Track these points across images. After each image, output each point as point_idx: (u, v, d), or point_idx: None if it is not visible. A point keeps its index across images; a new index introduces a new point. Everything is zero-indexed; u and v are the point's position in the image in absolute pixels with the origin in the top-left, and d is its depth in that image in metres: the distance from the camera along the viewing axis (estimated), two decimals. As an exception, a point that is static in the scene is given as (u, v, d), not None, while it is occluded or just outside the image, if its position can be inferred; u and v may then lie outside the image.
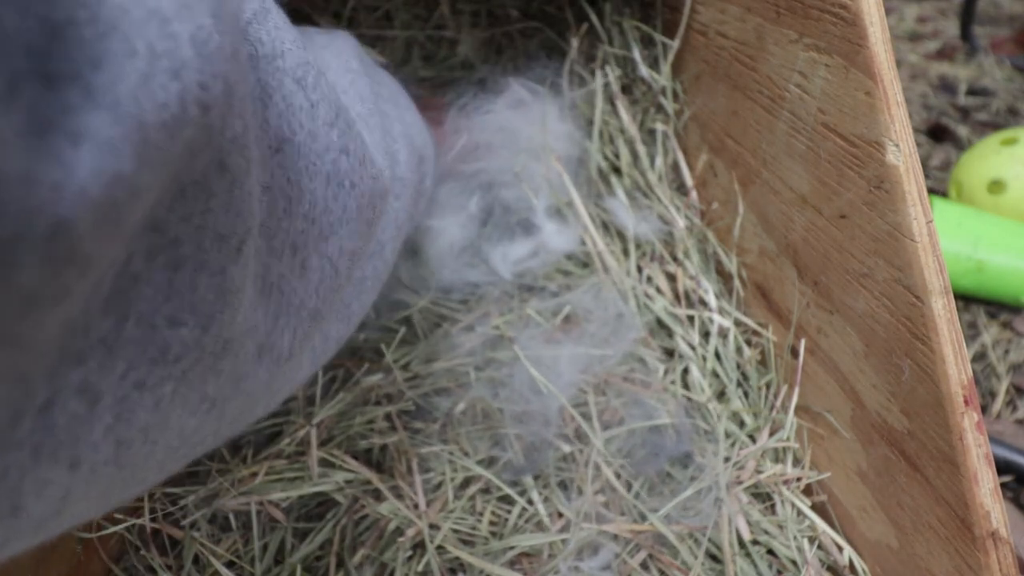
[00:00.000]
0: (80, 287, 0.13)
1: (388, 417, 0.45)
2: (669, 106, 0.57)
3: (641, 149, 0.57)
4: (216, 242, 0.17)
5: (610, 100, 0.58)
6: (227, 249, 0.18)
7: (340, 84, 0.30)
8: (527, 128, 0.54)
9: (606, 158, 0.58)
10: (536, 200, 0.54)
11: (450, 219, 0.53)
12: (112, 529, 0.38)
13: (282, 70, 0.22)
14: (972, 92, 1.09)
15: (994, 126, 0.99)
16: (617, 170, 0.58)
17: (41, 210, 0.11)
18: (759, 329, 0.48)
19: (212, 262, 0.17)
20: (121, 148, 0.13)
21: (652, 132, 0.58)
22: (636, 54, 0.57)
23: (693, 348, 0.49)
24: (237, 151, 0.17)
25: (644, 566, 0.39)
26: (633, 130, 0.57)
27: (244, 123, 0.18)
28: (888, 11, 1.21)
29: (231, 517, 0.41)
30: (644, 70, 0.57)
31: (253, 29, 0.21)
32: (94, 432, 0.15)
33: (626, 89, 0.60)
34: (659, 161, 0.57)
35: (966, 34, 1.22)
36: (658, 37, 0.56)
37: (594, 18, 0.58)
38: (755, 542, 0.40)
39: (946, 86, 1.11)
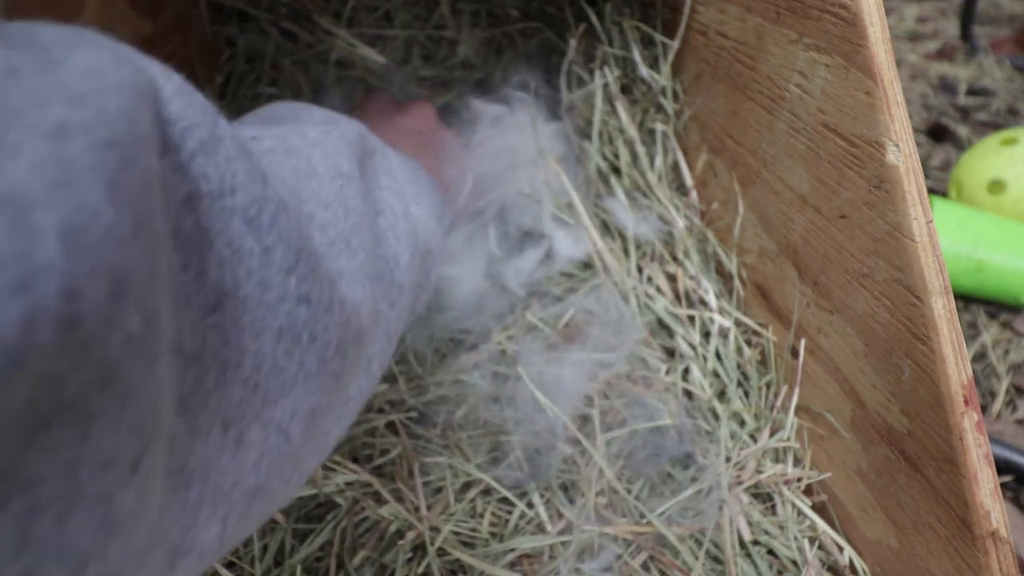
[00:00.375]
0: None
1: (391, 424, 0.45)
2: (669, 106, 0.57)
3: (641, 149, 0.57)
4: (98, 470, 0.14)
5: (609, 100, 0.58)
6: (115, 474, 0.14)
7: (322, 196, 0.26)
8: (518, 139, 0.54)
9: (605, 158, 0.58)
10: (541, 207, 0.53)
11: (468, 264, 0.51)
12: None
13: (230, 209, 0.19)
14: (972, 92, 1.09)
15: (994, 126, 0.99)
16: (617, 170, 0.58)
17: None
18: (759, 329, 0.48)
19: (91, 494, 0.14)
20: None
21: (652, 132, 0.58)
22: (636, 54, 0.57)
23: (694, 348, 0.49)
24: (133, 353, 0.14)
25: (645, 567, 0.39)
26: (632, 130, 0.57)
27: (148, 311, 0.14)
28: (888, 11, 1.21)
29: (231, 518, 0.41)
30: (644, 70, 0.57)
31: (198, 163, 0.18)
32: None
33: (625, 89, 0.59)
34: (659, 161, 0.57)
35: (966, 34, 1.22)
36: (658, 37, 0.56)
37: (594, 18, 0.58)
38: (756, 542, 0.40)
39: (946, 86, 1.11)
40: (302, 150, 0.27)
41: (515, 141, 0.54)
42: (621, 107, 0.57)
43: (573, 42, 0.58)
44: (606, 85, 0.57)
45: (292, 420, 0.21)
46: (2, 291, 0.10)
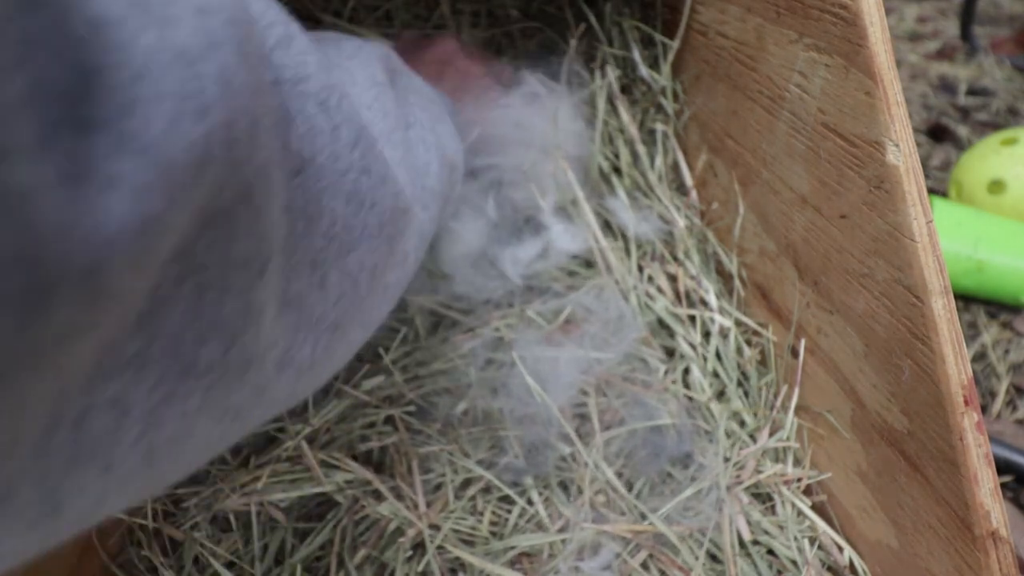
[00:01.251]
0: (112, 317, 0.14)
1: (389, 419, 0.45)
2: (669, 106, 0.57)
3: (641, 149, 0.57)
4: (241, 267, 0.18)
5: (610, 100, 0.58)
6: (251, 272, 0.19)
7: (364, 99, 0.30)
8: (540, 124, 0.54)
9: (606, 158, 0.58)
10: (543, 200, 0.53)
11: (468, 224, 0.52)
12: (113, 521, 0.38)
13: (305, 94, 0.22)
14: (972, 92, 1.09)
15: (994, 126, 0.99)
16: (617, 170, 0.58)
17: (77, 256, 0.12)
18: (759, 329, 0.48)
19: (236, 285, 0.18)
20: (152, 192, 0.13)
21: (652, 132, 0.58)
22: (636, 54, 0.57)
23: (694, 348, 0.49)
24: (262, 180, 0.18)
25: (644, 566, 0.39)
26: (633, 130, 0.57)
27: (268, 152, 0.18)
28: (888, 11, 1.21)
29: (231, 518, 0.41)
30: (644, 70, 0.57)
31: (277, 56, 0.21)
32: (125, 440, 0.17)
33: (625, 89, 0.60)
34: (659, 161, 0.57)
35: (966, 34, 1.22)
36: (658, 37, 0.56)
37: (592, 19, 0.58)
38: (755, 542, 0.40)
39: (946, 86, 1.11)
40: (341, 62, 0.31)
41: (536, 122, 0.54)
42: (621, 107, 0.57)
43: (573, 42, 0.58)
44: (609, 84, 0.57)
45: (360, 272, 0.26)
46: (191, 114, 0.14)
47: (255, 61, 0.17)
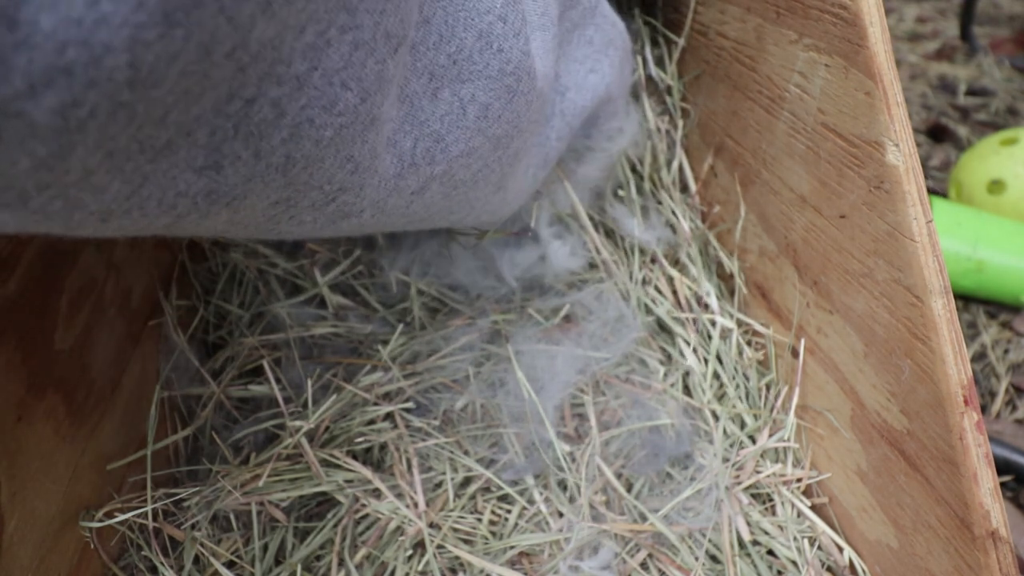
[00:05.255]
0: (289, 29, 0.19)
1: (388, 416, 0.45)
2: (676, 106, 0.57)
3: (660, 148, 0.57)
4: (384, 38, 0.23)
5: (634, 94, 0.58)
6: (389, 46, 0.23)
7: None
8: None
9: (627, 159, 0.58)
10: (539, 215, 0.53)
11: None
12: (113, 522, 0.38)
13: None
14: (972, 92, 1.09)
15: (994, 126, 0.99)
16: (635, 170, 0.58)
17: None
18: (760, 329, 0.48)
19: (378, 52, 0.23)
20: None
21: (658, 132, 0.58)
22: (648, 52, 0.57)
23: (694, 349, 0.49)
24: None
25: (644, 566, 0.39)
26: (659, 127, 0.57)
27: None
28: (888, 11, 1.21)
29: (232, 517, 0.41)
30: (652, 69, 0.56)
31: None
32: (274, 137, 0.21)
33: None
34: (662, 161, 0.57)
35: (966, 34, 1.22)
36: (666, 34, 0.56)
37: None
38: (755, 542, 0.40)
39: (946, 86, 1.11)
40: None
41: None
42: (647, 105, 0.56)
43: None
44: (634, 85, 0.57)
45: (470, 102, 0.29)
46: None
47: None
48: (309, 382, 0.44)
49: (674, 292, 0.53)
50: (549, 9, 0.34)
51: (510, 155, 0.34)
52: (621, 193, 0.55)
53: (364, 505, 0.40)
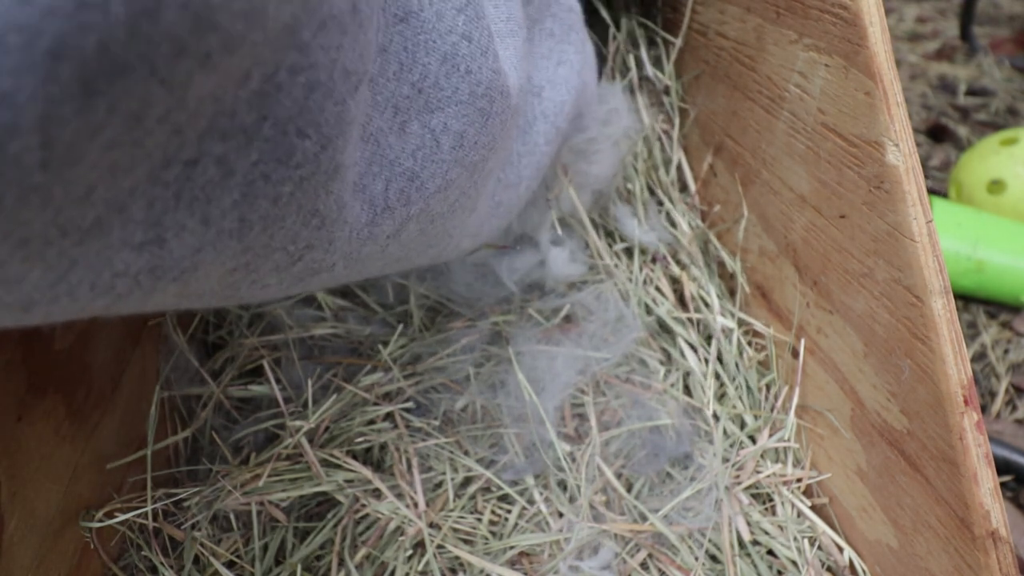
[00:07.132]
0: (230, 78, 0.16)
1: (388, 416, 0.45)
2: (674, 106, 0.57)
3: (657, 149, 0.57)
4: (343, 76, 0.20)
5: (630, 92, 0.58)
6: (349, 85, 0.21)
7: None
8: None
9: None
10: (540, 225, 0.53)
11: None
12: (113, 522, 0.38)
13: None
14: (972, 92, 1.09)
15: (994, 126, 0.99)
16: (635, 169, 0.58)
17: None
18: (760, 329, 0.48)
19: (337, 92, 0.20)
20: None
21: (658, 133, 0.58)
22: (644, 53, 0.57)
23: (695, 349, 0.49)
24: (366, 4, 0.20)
25: (644, 566, 0.39)
26: (654, 126, 0.57)
27: None
28: (888, 11, 1.21)
29: (232, 517, 0.41)
30: (650, 69, 0.56)
31: None
32: (224, 200, 0.19)
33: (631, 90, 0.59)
34: (660, 160, 0.57)
35: (966, 34, 1.22)
36: (661, 35, 0.56)
37: (604, 12, 0.58)
38: (755, 542, 0.40)
39: (946, 86, 1.11)
40: None
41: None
42: (642, 107, 0.57)
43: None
44: (629, 83, 0.57)
45: (443, 132, 0.27)
46: None
47: None
48: (309, 382, 0.44)
49: (675, 292, 0.53)
50: (514, 13, 0.32)
51: (484, 176, 0.32)
52: (630, 187, 0.55)
53: (364, 505, 0.40)
